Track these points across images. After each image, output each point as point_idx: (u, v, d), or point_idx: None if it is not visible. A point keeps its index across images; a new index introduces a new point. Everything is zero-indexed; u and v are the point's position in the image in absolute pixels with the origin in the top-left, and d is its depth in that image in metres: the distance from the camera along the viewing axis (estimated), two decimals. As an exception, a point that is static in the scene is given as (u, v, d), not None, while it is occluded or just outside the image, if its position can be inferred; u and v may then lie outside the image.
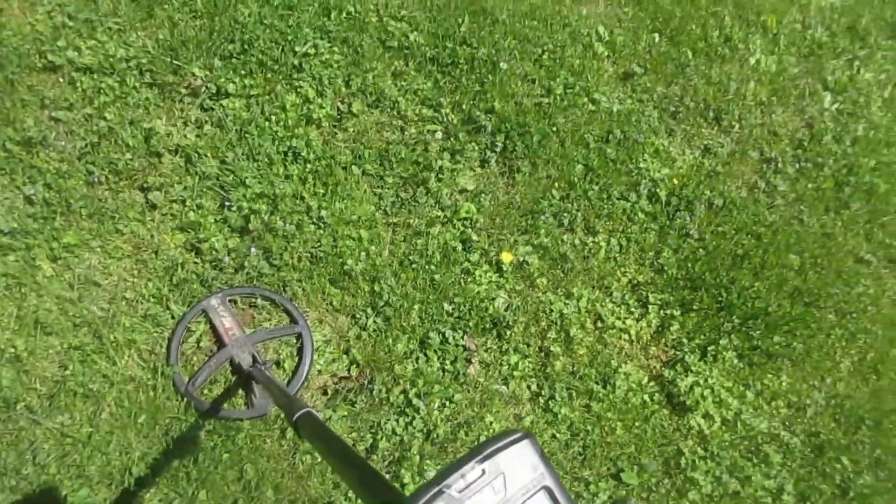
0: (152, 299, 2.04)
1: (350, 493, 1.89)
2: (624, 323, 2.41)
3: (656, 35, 3.15)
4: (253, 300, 2.10)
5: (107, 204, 2.16)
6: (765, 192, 2.88)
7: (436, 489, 0.55)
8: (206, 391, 1.95)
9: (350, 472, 1.00)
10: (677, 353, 2.43)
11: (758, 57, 3.18)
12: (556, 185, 2.62)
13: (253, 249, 2.15)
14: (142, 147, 2.26)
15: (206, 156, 2.29)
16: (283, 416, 1.91)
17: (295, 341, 2.09)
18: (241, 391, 1.98)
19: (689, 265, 2.58)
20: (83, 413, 1.83)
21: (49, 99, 2.26)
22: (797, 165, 2.97)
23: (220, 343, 2.01)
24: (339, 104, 2.56)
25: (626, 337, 2.40)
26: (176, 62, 2.38)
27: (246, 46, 2.47)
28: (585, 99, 2.85)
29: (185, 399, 1.89)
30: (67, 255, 2.06)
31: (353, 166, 2.43)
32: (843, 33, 3.49)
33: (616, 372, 2.30)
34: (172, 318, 2.03)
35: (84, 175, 2.19)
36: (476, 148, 2.60)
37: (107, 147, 2.23)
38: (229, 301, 2.07)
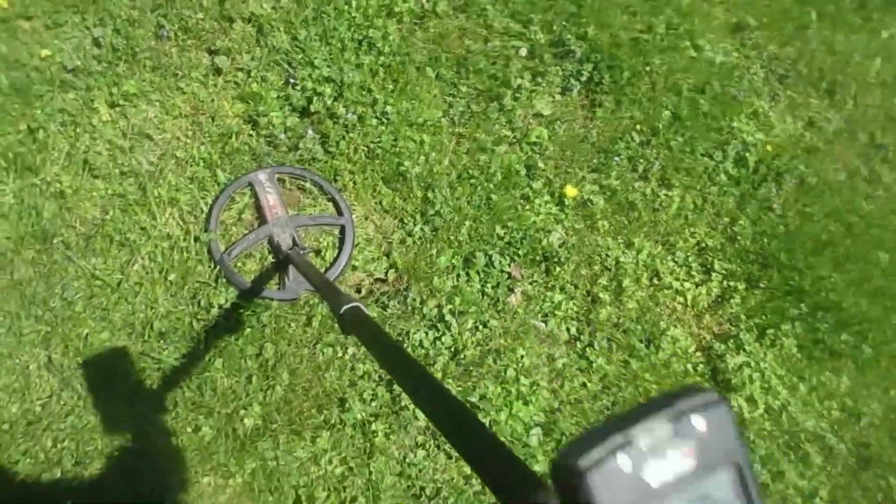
0: (202, 163, 1.98)
1: (364, 394, 1.83)
2: (682, 285, 2.24)
3: (781, -11, 2.86)
4: (301, 182, 2.02)
5: (172, 60, 2.09)
6: (866, 180, 2.62)
7: (619, 440, 0.41)
8: (239, 264, 1.90)
9: (406, 380, 0.91)
10: (732, 328, 2.25)
11: (892, 32, 2.85)
12: (638, 128, 2.42)
13: (310, 132, 2.06)
14: (215, 9, 2.17)
15: (278, 29, 2.19)
16: (324, 304, 1.85)
17: (337, 233, 2.01)
18: (274, 272, 1.92)
19: (765, 240, 2.38)
20: (116, 260, 1.80)
21: (133, -58, 2.18)
22: (908, 157, 2.69)
23: (261, 219, 1.95)
24: (424, 1, 2.41)
25: (681, 300, 2.23)
26: (266, -74, 2.26)
27: (340, -78, 2.32)
28: (688, 43, 2.61)
29: (218, 267, 1.84)
30: (125, 104, 2.01)
31: (428, 68, 2.29)
32: None
33: (663, 334, 2.15)
34: (218, 185, 1.97)
35: (154, 27, 2.12)
36: (560, 73, 2.42)
37: (181, 2, 2.15)
38: (277, 179, 2.00)
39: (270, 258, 1.93)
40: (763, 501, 0.44)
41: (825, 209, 2.49)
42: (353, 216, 2.02)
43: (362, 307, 1.13)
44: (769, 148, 2.50)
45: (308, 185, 2.02)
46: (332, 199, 2.02)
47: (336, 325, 1.74)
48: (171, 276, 1.81)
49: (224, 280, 1.84)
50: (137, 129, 1.98)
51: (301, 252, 1.86)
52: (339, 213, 2.00)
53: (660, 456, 0.42)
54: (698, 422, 0.44)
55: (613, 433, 0.42)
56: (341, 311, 1.12)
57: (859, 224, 2.49)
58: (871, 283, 2.40)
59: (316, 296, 1.88)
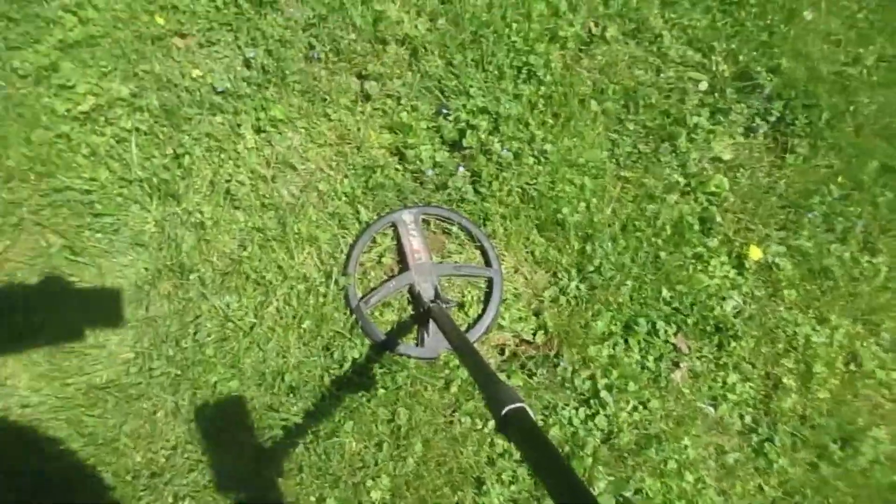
0: (344, 197, 1.83)
1: (503, 475, 1.60)
2: (888, 375, 1.86)
3: None
4: (448, 226, 1.83)
5: (321, 83, 1.97)
6: None
7: None
8: (376, 314, 1.73)
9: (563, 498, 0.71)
10: (949, 432, 1.84)
11: None
12: (838, 179, 2.05)
13: (461, 169, 1.87)
14: (368, 30, 2.02)
15: (432, 53, 2.01)
16: (482, 396, 1.64)
17: (483, 285, 1.80)
18: (413, 325, 1.73)
19: None
20: (251, 300, 1.69)
21: (290, -42, 2.08)
22: None
23: (403, 264, 1.77)
24: (591, 25, 2.16)
25: (888, 394, 1.85)
26: (426, -58, 2.09)
27: (505, -64, 2.12)
28: (904, 79, 2.20)
29: (354, 316, 1.68)
30: (272, 129, 1.90)
31: (593, 100, 2.04)
32: None
33: (864, 433, 1.78)
34: (359, 223, 1.81)
35: (305, 48, 2.01)
36: (745, 111, 2.10)
37: (334, 22, 2.02)
38: (423, 220, 1.82)
39: (410, 309, 1.75)
40: None
41: None
42: (503, 267, 1.80)
43: (528, 410, 0.92)
44: None
45: (455, 228, 1.83)
46: (481, 247, 1.81)
47: (487, 411, 1.53)
48: (306, 323, 1.66)
49: (359, 331, 1.68)
50: (281, 158, 1.87)
51: (444, 306, 1.66)
52: (488, 263, 1.80)
53: None
54: None
55: None
56: (504, 411, 0.91)
57: None
58: None
59: (455, 356, 1.68)
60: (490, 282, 1.78)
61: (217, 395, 1.58)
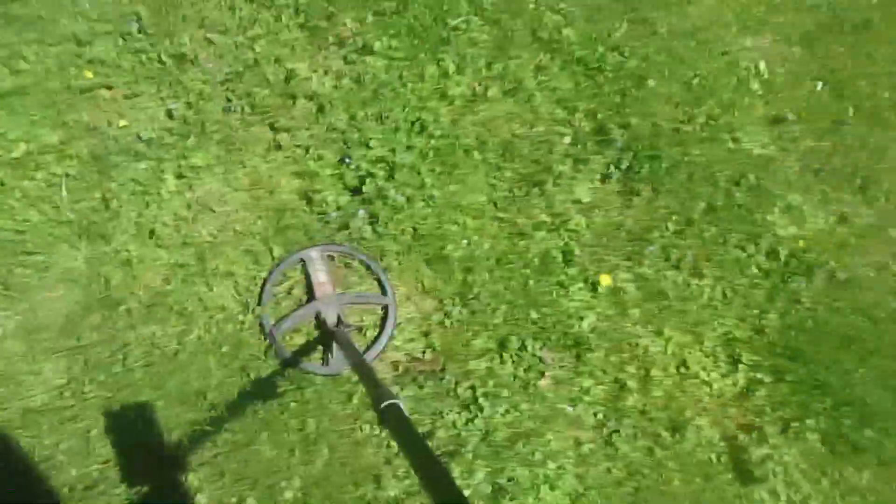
0: (258, 236, 2.10)
1: (399, 472, 1.91)
2: (709, 375, 2.30)
3: (819, 83, 2.93)
4: (349, 261, 2.14)
5: (237, 134, 2.23)
6: (895, 276, 2.66)
7: None
8: (287, 338, 2.01)
9: (427, 480, 1.00)
10: (757, 420, 2.30)
11: (928, 131, 2.91)
12: (673, 218, 2.50)
13: (361, 212, 2.18)
14: (280, 86, 2.31)
15: (337, 108, 2.32)
16: (366, 393, 1.94)
17: (380, 311, 2.11)
18: (319, 347, 2.02)
19: (793, 334, 2.43)
20: (175, 329, 1.93)
21: (208, 20, 2.34)
22: (940, 257, 2.72)
23: (310, 295, 2.06)
24: (475, 85, 2.53)
25: (708, 390, 2.29)
26: (332, 8, 2.41)
27: (402, 7, 2.47)
28: (727, 135, 2.69)
29: (268, 341, 1.95)
30: (192, 175, 2.14)
31: (475, 151, 2.40)
32: None
33: (689, 423, 2.21)
34: (272, 259, 2.08)
35: (223, 101, 2.27)
36: (601, 161, 2.52)
37: (249, 78, 2.30)
38: (328, 256, 2.11)
39: (316, 334, 2.04)
40: None
41: (853, 304, 2.53)
42: (396, 296, 2.13)
43: (401, 404, 1.20)
44: (801, 242, 2.56)
45: (356, 263, 2.13)
46: (378, 279, 2.13)
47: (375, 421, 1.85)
48: (224, 348, 1.92)
49: (273, 353, 1.95)
50: (201, 201, 2.12)
51: (346, 330, 1.97)
52: (384, 292, 2.11)
53: None
54: None
55: None
56: (382, 406, 1.20)
57: (886, 321, 2.52)
58: (897, 382, 2.44)
59: (353, 371, 1.98)
60: (386, 308, 2.09)
61: (146, 413, 1.81)
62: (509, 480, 1.99)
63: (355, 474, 1.89)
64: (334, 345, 1.97)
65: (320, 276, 2.06)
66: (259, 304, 2.00)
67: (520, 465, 2.02)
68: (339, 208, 2.18)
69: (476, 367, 2.09)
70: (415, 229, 2.20)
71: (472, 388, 2.07)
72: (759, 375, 2.35)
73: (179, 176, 2.14)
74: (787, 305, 2.47)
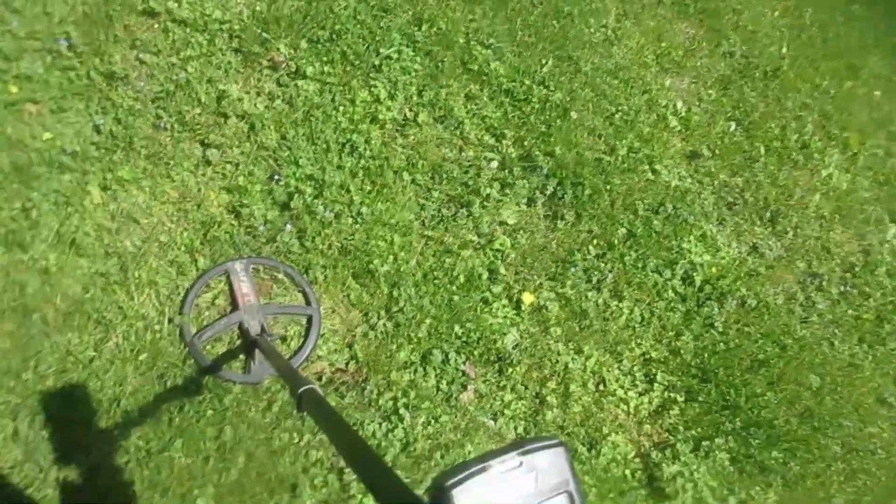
0: (183, 248, 2.11)
1: (315, 481, 1.91)
2: (626, 393, 2.39)
3: (733, 123, 3.15)
4: (275, 273, 2.16)
5: (166, 150, 2.25)
6: (801, 306, 2.83)
7: (479, 466, 0.60)
8: (208, 347, 2.01)
9: (351, 452, 1.03)
10: (670, 437, 2.39)
11: (831, 171, 3.14)
12: (595, 242, 2.62)
13: (288, 226, 2.21)
14: (212, 105, 2.35)
15: (269, 128, 2.37)
16: (284, 387, 1.96)
17: (304, 323, 2.13)
18: (241, 356, 2.03)
19: (706, 356, 2.55)
20: (92, 337, 1.90)
21: (140, 41, 2.37)
22: (842, 288, 2.91)
23: (234, 306, 2.07)
24: (406, 111, 2.63)
25: (624, 408, 2.37)
26: (265, 35, 2.48)
27: (334, 36, 2.56)
28: (646, 167, 2.85)
29: (188, 349, 1.95)
30: (118, 188, 2.15)
31: (405, 172, 2.48)
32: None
33: (605, 438, 2.28)
34: (197, 270, 2.09)
35: (153, 118, 2.29)
36: (527, 186, 2.63)
37: (181, 97, 2.33)
38: (252, 268, 2.13)
39: (238, 343, 2.04)
40: None
41: (763, 330, 2.68)
42: (321, 308, 2.16)
43: (317, 388, 1.25)
44: (714, 269, 2.71)
45: (281, 275, 2.16)
46: (303, 291, 2.15)
47: (294, 410, 1.87)
48: (142, 356, 1.91)
49: (192, 362, 1.95)
50: (126, 213, 2.12)
51: (269, 338, 1.98)
52: (308, 303, 2.14)
53: (508, 481, 0.60)
54: (540, 458, 0.62)
55: (476, 462, 0.61)
56: (299, 392, 1.23)
57: (793, 346, 2.67)
58: (802, 403, 2.57)
59: (279, 382, 1.99)
60: (310, 319, 2.12)
61: (56, 420, 1.78)
62: (426, 492, 2.00)
63: (271, 483, 1.88)
64: (256, 353, 1.98)
65: (244, 287, 2.07)
66: (181, 312, 1.99)
67: (439, 477, 2.04)
68: (266, 222, 2.21)
69: (398, 379, 2.12)
70: (342, 244, 2.25)
71: (394, 399, 2.09)
72: (673, 395, 2.45)
73: (105, 188, 2.14)
74: (700, 329, 2.60)
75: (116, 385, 1.86)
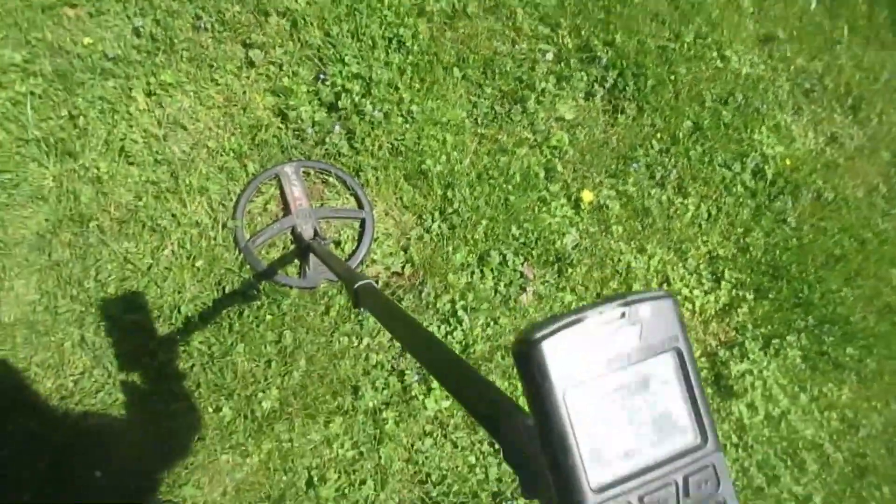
0: (231, 153, 2.06)
1: (377, 383, 1.91)
2: (691, 292, 2.30)
3: (813, 1, 2.85)
4: (326, 177, 2.10)
5: (208, 51, 2.17)
6: (884, 198, 2.64)
7: (573, 318, 0.48)
8: (263, 252, 1.98)
9: (416, 343, 0.97)
10: (738, 336, 2.31)
11: (921, 48, 2.84)
12: (659, 136, 2.46)
13: (337, 127, 2.13)
14: (252, 2, 2.23)
15: (312, 25, 2.25)
16: (341, 290, 1.94)
17: (357, 226, 2.08)
18: (296, 261, 2.00)
19: (777, 252, 2.41)
20: (148, 245, 1.90)
21: (175, -65, 2.24)
22: (929, 177, 2.69)
23: (286, 210, 2.03)
24: (455, 1, 2.45)
25: (690, 307, 2.28)
26: (303, -77, 2.31)
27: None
28: (715, 54, 2.63)
29: (243, 255, 1.93)
30: (162, 93, 2.09)
31: (455, 68, 2.34)
32: None
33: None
34: (247, 175, 2.05)
35: (192, 18, 2.19)
36: (585, 78, 2.46)
37: (220, -6, 2.22)
38: (303, 172, 2.07)
39: (293, 248, 2.01)
40: (702, 385, 0.51)
41: (840, 225, 2.52)
42: (374, 211, 2.10)
43: (373, 283, 1.19)
44: (788, 161, 2.53)
45: (332, 179, 2.09)
46: (355, 194, 2.09)
47: (352, 309, 1.86)
48: (199, 263, 1.90)
49: (248, 267, 1.93)
50: (172, 119, 2.06)
51: (322, 242, 1.94)
52: (361, 206, 2.08)
53: (607, 335, 0.49)
54: (644, 310, 0.51)
55: (570, 315, 0.49)
56: (355, 287, 1.18)
57: (873, 241, 2.51)
58: (881, 299, 2.43)
59: (334, 287, 1.96)
60: (363, 222, 2.07)
61: (119, 324, 1.80)
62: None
63: (333, 385, 1.88)
64: (311, 258, 1.95)
65: (295, 191, 2.02)
66: (233, 218, 1.96)
67: (500, 377, 2.02)
68: (314, 124, 2.13)
69: (456, 282, 2.07)
70: (393, 145, 2.16)
71: (452, 301, 2.05)
72: (741, 293, 2.35)
73: (149, 94, 2.08)
74: (772, 224, 2.45)
75: (175, 292, 1.86)
